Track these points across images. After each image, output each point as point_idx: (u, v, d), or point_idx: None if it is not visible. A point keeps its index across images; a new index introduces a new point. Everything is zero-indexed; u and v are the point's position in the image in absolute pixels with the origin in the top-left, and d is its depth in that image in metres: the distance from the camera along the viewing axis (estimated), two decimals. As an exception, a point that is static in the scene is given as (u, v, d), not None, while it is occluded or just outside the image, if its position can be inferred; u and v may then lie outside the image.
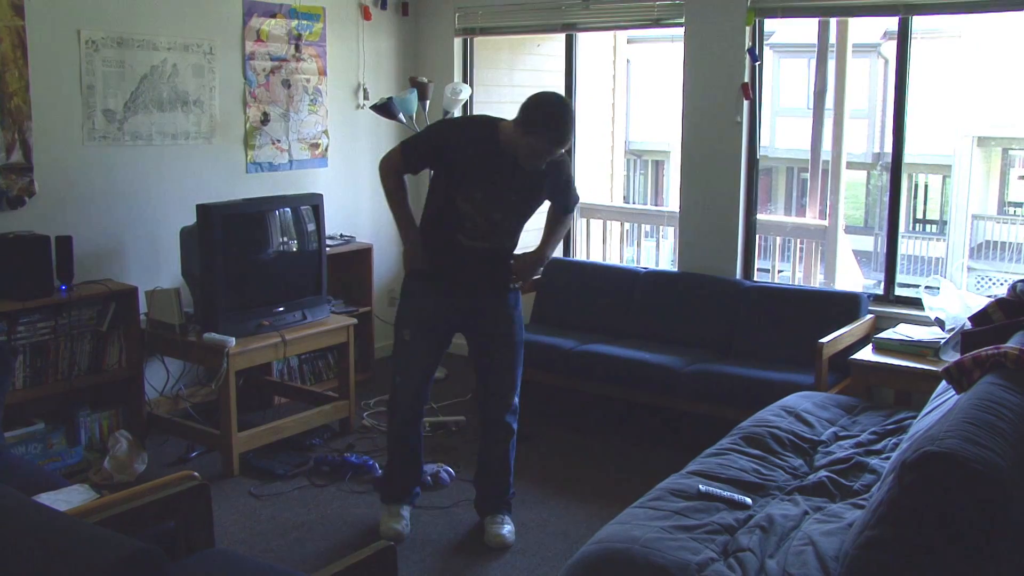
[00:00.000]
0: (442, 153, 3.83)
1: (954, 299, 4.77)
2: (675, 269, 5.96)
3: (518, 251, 4.08)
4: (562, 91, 6.52)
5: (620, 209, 8.83)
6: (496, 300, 3.99)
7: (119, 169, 5.08)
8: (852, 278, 8.12)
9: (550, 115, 3.64)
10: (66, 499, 3.06)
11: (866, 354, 4.64)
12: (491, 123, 3.84)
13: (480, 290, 3.96)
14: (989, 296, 4.47)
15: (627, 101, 11.46)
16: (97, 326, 4.78)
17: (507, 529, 4.07)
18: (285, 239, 5.18)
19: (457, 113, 6.31)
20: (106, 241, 5.06)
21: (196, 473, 2.94)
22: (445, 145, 3.83)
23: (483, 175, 3.78)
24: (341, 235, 6.08)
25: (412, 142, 3.92)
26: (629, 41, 11.34)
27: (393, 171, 3.89)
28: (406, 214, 3.91)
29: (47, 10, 4.69)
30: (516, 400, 4.10)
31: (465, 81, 6.59)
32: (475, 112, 6.69)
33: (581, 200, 7.06)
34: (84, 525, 2.05)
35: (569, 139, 3.68)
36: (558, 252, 6.71)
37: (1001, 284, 12.74)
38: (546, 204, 4.13)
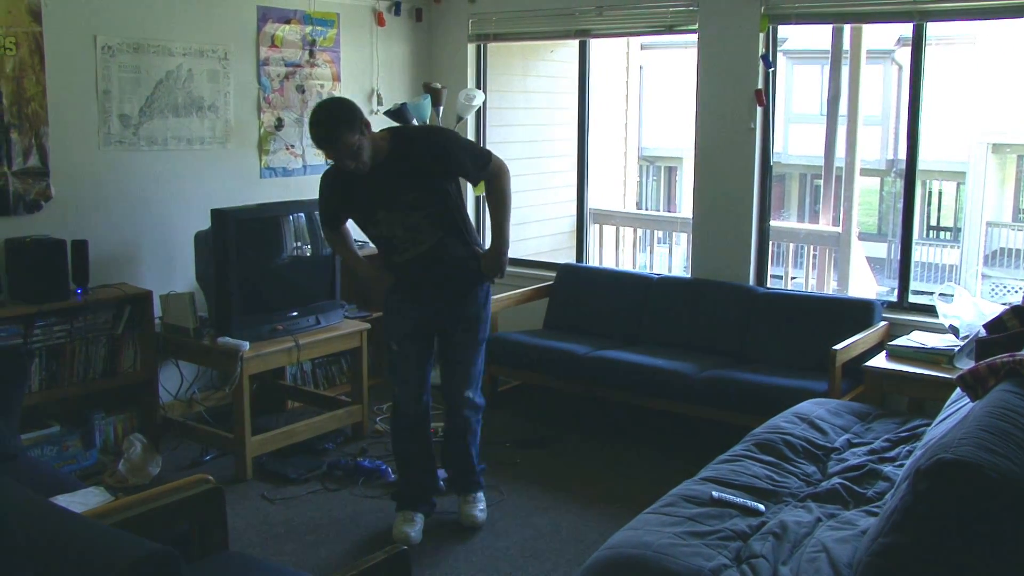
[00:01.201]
0: (335, 201, 4.05)
1: (968, 306, 4.75)
2: (688, 275, 5.96)
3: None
4: (575, 97, 6.54)
5: (633, 215, 8.84)
6: (465, 297, 4.06)
7: (134, 174, 5.11)
8: (866, 285, 8.10)
9: (310, 124, 3.77)
10: (82, 501, 3.07)
11: (880, 361, 4.63)
12: None
13: (449, 291, 4.04)
14: (1004, 303, 4.46)
15: (640, 107, 11.46)
16: (112, 330, 4.81)
17: (479, 508, 4.25)
18: (299, 244, 5.20)
19: (471, 119, 6.34)
20: (121, 245, 5.08)
21: (210, 476, 2.96)
22: (329, 196, 4.06)
23: (368, 198, 3.88)
24: (355, 240, 6.08)
25: (319, 209, 4.21)
26: (642, 47, 11.35)
27: (325, 235, 4.34)
28: (350, 255, 4.27)
29: (64, 16, 4.73)
30: (472, 394, 4.17)
31: (478, 87, 6.61)
32: (488, 118, 6.71)
33: (594, 206, 7.13)
34: (101, 527, 2.06)
35: (329, 137, 3.67)
36: (570, 258, 6.72)
37: (1016, 291, 12.67)
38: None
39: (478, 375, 4.19)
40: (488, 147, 5.56)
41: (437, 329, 4.13)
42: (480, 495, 4.30)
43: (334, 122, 3.66)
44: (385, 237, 3.94)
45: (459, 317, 4.06)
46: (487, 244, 4.13)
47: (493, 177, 4.00)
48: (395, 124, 5.49)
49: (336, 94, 6.09)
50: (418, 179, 3.86)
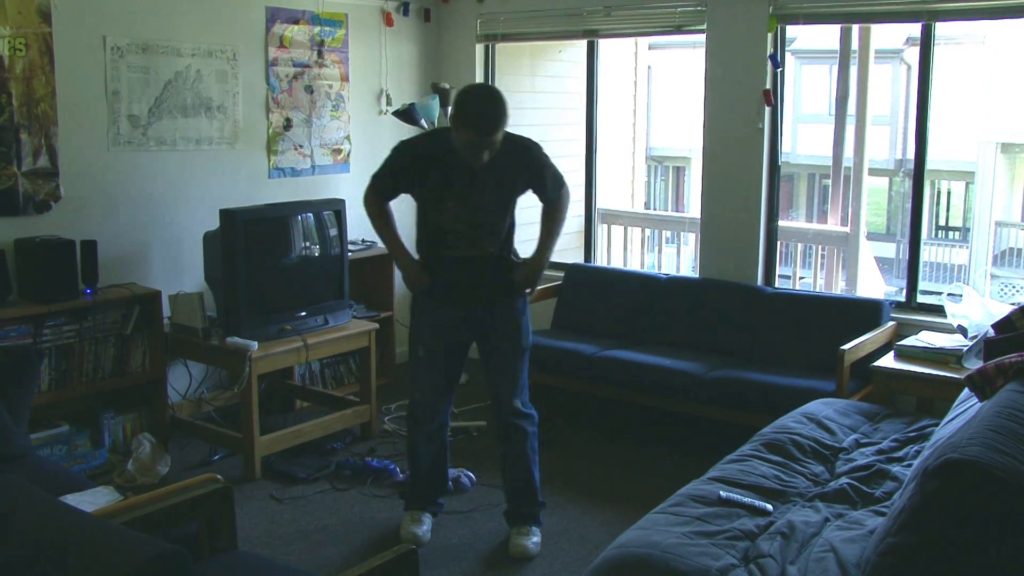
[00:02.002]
0: (406, 173, 3.89)
1: (977, 306, 4.74)
2: (696, 275, 5.96)
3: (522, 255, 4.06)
4: (583, 97, 6.55)
5: (641, 215, 8.83)
6: (503, 305, 3.98)
7: (143, 174, 5.13)
8: (874, 285, 8.08)
9: (467, 104, 3.63)
10: (91, 500, 3.08)
11: (888, 361, 4.62)
12: (444, 131, 3.85)
13: (486, 297, 3.96)
14: (1012, 303, 4.45)
15: (648, 107, 11.45)
16: (121, 330, 4.82)
17: (532, 540, 4.02)
18: (307, 244, 5.20)
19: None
20: (130, 245, 5.10)
21: (219, 476, 2.97)
22: (407, 165, 3.89)
23: (450, 183, 3.79)
24: (363, 240, 6.10)
25: (379, 171, 3.98)
26: (650, 47, 11.34)
27: (372, 203, 4.01)
28: (394, 241, 4.04)
29: (73, 17, 4.74)
30: (520, 403, 4.04)
31: (487, 87, 6.61)
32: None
33: (602, 206, 7.13)
34: (111, 526, 2.07)
35: (491, 125, 3.60)
36: (578, 258, 6.72)
37: (1025, 292, 12.61)
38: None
39: (524, 384, 4.06)
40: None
41: (473, 339, 4.05)
42: (536, 529, 4.06)
43: (500, 118, 3.60)
44: (443, 228, 3.85)
45: (497, 324, 3.98)
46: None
47: (560, 198, 4.02)
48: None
49: (344, 95, 6.10)
50: (505, 185, 3.83)
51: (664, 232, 8.97)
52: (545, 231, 4.03)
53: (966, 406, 3.17)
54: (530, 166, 3.89)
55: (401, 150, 3.95)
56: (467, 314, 3.97)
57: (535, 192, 3.99)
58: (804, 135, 15.83)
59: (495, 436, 4.20)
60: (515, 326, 4.00)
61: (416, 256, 4.06)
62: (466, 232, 3.84)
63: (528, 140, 3.93)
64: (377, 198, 3.99)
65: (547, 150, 4.00)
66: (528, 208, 4.13)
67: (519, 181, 3.89)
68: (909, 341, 4.73)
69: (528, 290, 4.01)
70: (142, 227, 5.15)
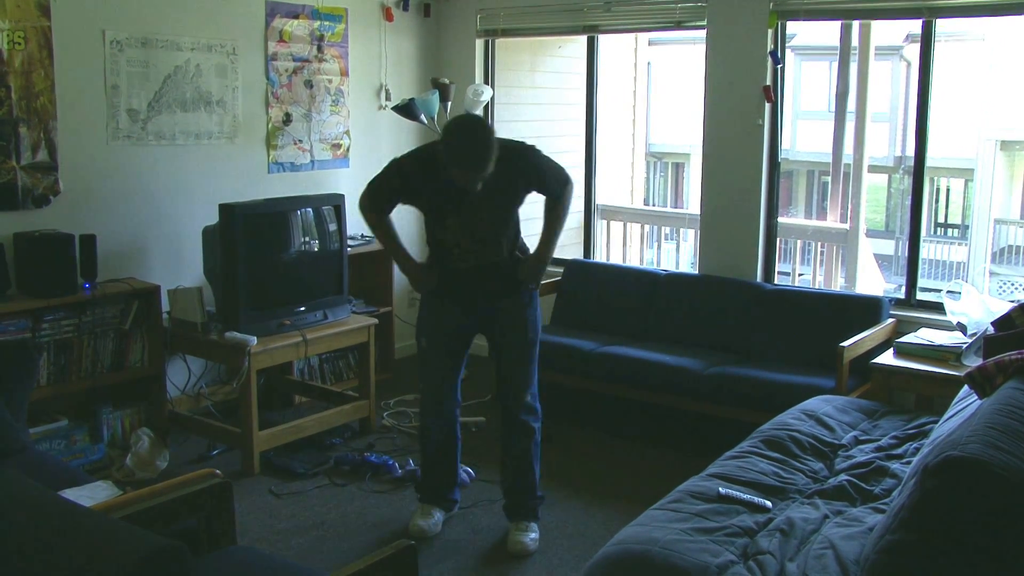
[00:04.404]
0: (401, 190, 3.89)
1: (976, 304, 4.74)
2: (695, 271, 5.95)
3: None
4: (583, 93, 6.54)
5: (641, 211, 8.83)
6: (509, 301, 4.00)
7: (142, 168, 5.12)
8: (873, 282, 8.07)
9: (453, 145, 3.59)
10: (90, 495, 3.08)
11: (887, 358, 4.62)
12: (433, 149, 3.79)
13: (493, 295, 3.98)
14: (1012, 301, 4.45)
15: (648, 103, 11.43)
16: (120, 324, 4.82)
17: (530, 537, 4.03)
18: (307, 239, 5.20)
19: (479, 114, 6.33)
20: (129, 240, 5.09)
21: (218, 471, 2.96)
22: (400, 183, 3.88)
23: (446, 201, 3.78)
24: (362, 235, 6.10)
25: (374, 183, 3.96)
26: (650, 43, 11.33)
27: (368, 211, 4.00)
28: (395, 245, 4.03)
29: (72, 11, 4.73)
30: (530, 398, 4.06)
31: (486, 83, 6.60)
32: (496, 114, 6.71)
33: (602, 202, 7.12)
34: (110, 520, 2.07)
35: (480, 164, 3.56)
36: (578, 254, 6.71)
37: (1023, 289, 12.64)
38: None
39: (534, 378, 4.08)
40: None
41: (476, 332, 4.08)
42: (535, 525, 4.09)
43: (487, 155, 3.56)
44: (447, 243, 3.87)
45: (504, 319, 4.00)
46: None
47: (564, 194, 3.99)
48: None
49: (344, 90, 6.09)
50: (503, 197, 3.82)
51: (664, 228, 8.98)
52: (547, 227, 4.01)
53: (966, 403, 3.17)
54: (527, 172, 3.86)
55: (393, 170, 3.93)
56: (470, 310, 4.01)
57: (539, 192, 3.97)
58: (804, 131, 15.81)
59: (498, 430, 4.20)
60: (522, 320, 4.01)
61: (422, 258, 4.07)
62: (470, 246, 3.84)
63: (521, 145, 3.87)
64: (370, 208, 3.99)
65: (546, 146, 3.98)
66: (533, 203, 4.11)
67: (518, 189, 3.87)
68: (908, 338, 4.73)
69: (532, 285, 4.01)
70: (141, 222, 5.15)
